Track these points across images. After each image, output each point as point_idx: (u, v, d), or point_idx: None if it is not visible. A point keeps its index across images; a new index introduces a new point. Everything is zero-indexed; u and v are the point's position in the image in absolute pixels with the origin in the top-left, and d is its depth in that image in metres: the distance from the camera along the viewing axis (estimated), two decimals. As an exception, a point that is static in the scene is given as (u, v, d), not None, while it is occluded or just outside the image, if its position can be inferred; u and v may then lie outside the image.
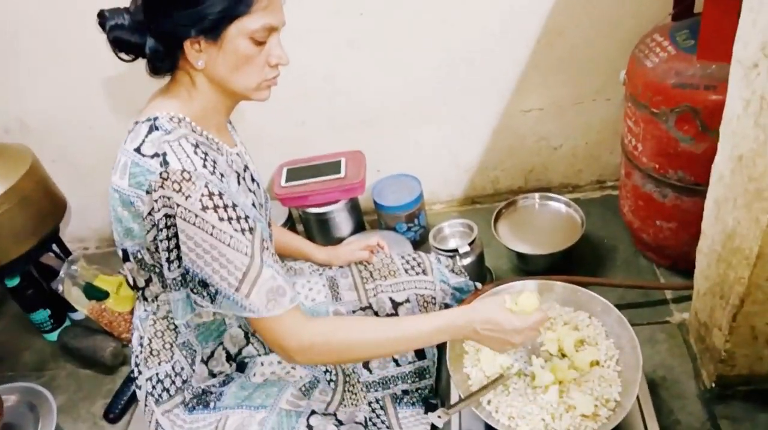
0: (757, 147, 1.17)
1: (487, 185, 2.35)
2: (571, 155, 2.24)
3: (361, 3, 1.91)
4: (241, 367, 1.36)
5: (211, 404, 1.25)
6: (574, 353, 1.35)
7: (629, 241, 2.06)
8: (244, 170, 1.25)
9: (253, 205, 1.21)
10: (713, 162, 1.38)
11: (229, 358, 1.34)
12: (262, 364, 1.35)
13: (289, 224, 2.21)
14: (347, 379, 1.46)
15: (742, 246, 1.30)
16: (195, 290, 1.10)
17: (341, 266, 1.58)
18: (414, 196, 2.12)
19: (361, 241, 1.61)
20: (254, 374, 1.35)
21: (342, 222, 2.13)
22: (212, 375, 1.31)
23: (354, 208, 2.15)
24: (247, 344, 1.33)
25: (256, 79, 1.12)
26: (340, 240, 2.10)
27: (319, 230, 2.16)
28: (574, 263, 1.98)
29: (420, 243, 2.19)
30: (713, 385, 1.54)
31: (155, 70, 1.12)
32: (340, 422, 1.32)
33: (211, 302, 1.09)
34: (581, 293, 1.44)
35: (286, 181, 2.10)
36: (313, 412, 1.28)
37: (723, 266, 1.41)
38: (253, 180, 1.28)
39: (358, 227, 2.20)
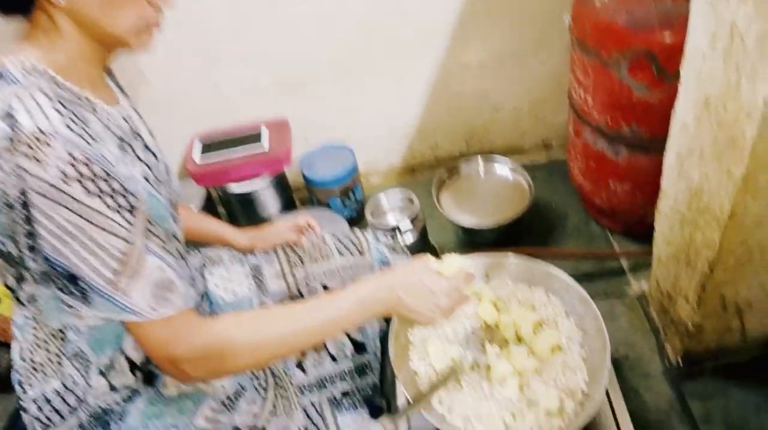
0: (727, 89, 1.01)
1: (427, 152, 2.17)
2: (514, 115, 2.09)
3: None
4: (150, 378, 1.13)
5: (113, 426, 1.04)
6: (533, 338, 1.18)
7: (580, 206, 1.93)
8: (134, 137, 1.02)
9: (146, 179, 0.98)
10: (673, 111, 1.23)
11: (134, 368, 1.10)
12: (175, 373, 1.12)
13: (208, 206, 1.96)
14: (278, 382, 1.25)
15: (711, 205, 1.16)
16: (62, 288, 0.87)
17: (266, 252, 1.37)
18: (347, 167, 1.91)
19: (288, 221, 1.40)
20: (165, 386, 1.12)
21: (268, 200, 1.90)
22: (113, 390, 1.08)
23: (281, 184, 1.92)
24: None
25: (133, 19, 0.89)
26: (268, 222, 1.87)
27: (242, 211, 1.92)
28: (523, 234, 1.83)
29: (357, 220, 1.99)
30: (679, 361, 1.42)
31: (4, 7, 0.86)
32: (269, 438, 1.12)
33: (84, 303, 0.86)
34: (537, 268, 1.27)
35: (201, 156, 1.84)
36: (236, 428, 1.07)
37: (688, 229, 1.27)
38: (147, 149, 1.04)
39: (287, 206, 1.98)
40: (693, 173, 1.21)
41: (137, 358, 1.09)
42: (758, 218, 1.12)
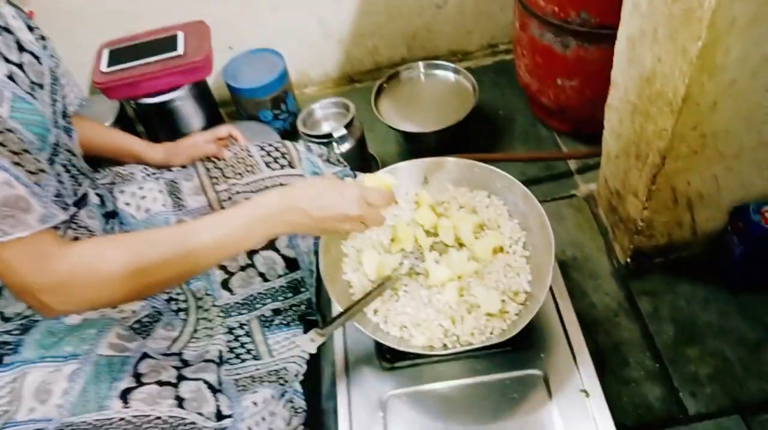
0: (684, -45, 0.90)
1: (366, 58, 2.01)
2: (458, 14, 1.94)
3: None
4: (48, 306, 1.00)
5: (6, 360, 0.92)
6: (474, 241, 1.10)
7: (527, 109, 1.84)
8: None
9: (12, 80, 0.82)
10: (625, -10, 1.12)
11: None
12: (78, 300, 0.99)
13: (123, 122, 1.77)
14: (200, 304, 1.14)
15: (664, 89, 1.07)
16: None
17: (184, 166, 1.23)
18: (276, 74, 1.74)
19: (207, 133, 1.25)
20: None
21: (189, 114, 1.73)
22: (6, 320, 0.96)
23: (203, 95, 1.74)
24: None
25: None
26: (188, 136, 1.71)
27: (162, 126, 1.75)
28: (468, 139, 1.73)
29: (291, 134, 1.84)
30: (628, 260, 1.37)
31: None
32: (186, 363, 1.01)
33: None
34: (477, 169, 1.17)
35: (109, 65, 1.64)
36: (144, 355, 0.96)
37: (639, 120, 1.18)
38: (22, 48, 0.88)
39: (213, 121, 1.81)
40: (645, 58, 1.11)
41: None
42: (713, 100, 1.03)
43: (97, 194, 1.09)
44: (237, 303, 1.19)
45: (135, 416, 0.86)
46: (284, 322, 1.25)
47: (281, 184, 1.20)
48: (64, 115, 0.97)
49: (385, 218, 0.95)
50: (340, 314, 0.99)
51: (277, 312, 1.23)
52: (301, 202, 0.88)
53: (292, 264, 1.22)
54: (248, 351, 1.18)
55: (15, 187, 0.74)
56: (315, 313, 1.29)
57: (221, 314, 1.15)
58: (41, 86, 0.90)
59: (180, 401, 0.89)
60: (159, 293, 1.08)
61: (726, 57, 0.96)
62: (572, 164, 1.66)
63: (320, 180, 0.95)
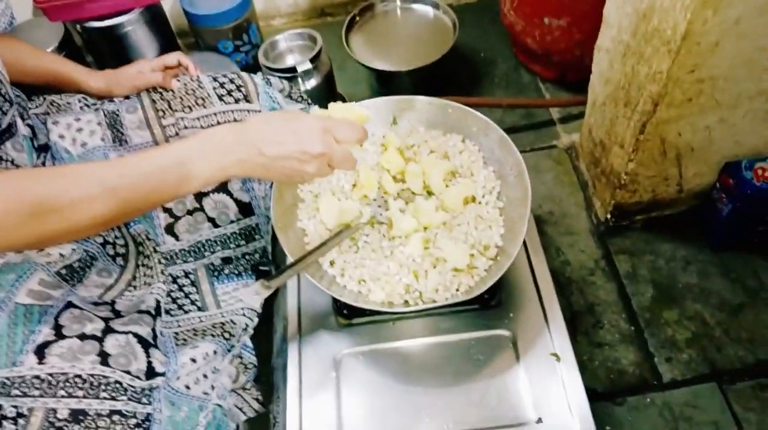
0: None
1: (339, -11, 1.84)
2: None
3: None
4: (-38, 248, 0.88)
5: None
6: (444, 190, 0.99)
7: (510, 52, 1.72)
8: None
9: None
10: None
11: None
12: (-4, 241, 0.87)
13: (68, 49, 1.60)
14: (140, 249, 1.03)
15: (662, 26, 0.96)
16: None
17: (127, 97, 1.11)
18: (238, 0, 1.57)
19: (154, 60, 1.11)
20: (-16, 257, 0.88)
21: (141, 41, 1.57)
22: None
23: (157, 21, 1.58)
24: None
25: None
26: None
27: (111, 55, 1.59)
28: (445, 81, 1.60)
29: (254, 69, 1.69)
30: (608, 216, 1.28)
31: None
32: (118, 314, 0.91)
33: None
34: (452, 110, 1.06)
35: (49, -18, 1.46)
36: (69, 305, 0.85)
37: (632, 62, 1.07)
38: None
39: (169, 50, 1.62)
40: (642, -9, 0.99)
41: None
42: (715, 40, 0.93)
43: (28, 125, 0.96)
44: (183, 250, 1.08)
45: (51, 374, 0.76)
46: (235, 271, 1.15)
47: (235, 120, 1.08)
48: None
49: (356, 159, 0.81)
50: (290, 265, 0.89)
51: (227, 261, 1.13)
52: (255, 138, 0.75)
53: (245, 209, 1.11)
54: (192, 302, 1.08)
55: None
56: (270, 263, 1.20)
57: (164, 261, 1.05)
58: None
59: (105, 357, 0.80)
60: (90, 237, 0.96)
61: (734, -11, 0.85)
62: (555, 113, 1.56)
63: (278, 113, 0.81)
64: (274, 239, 1.16)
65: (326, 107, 0.91)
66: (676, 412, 1.09)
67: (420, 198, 0.99)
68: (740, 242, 1.26)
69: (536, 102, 1.57)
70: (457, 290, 0.90)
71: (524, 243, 1.04)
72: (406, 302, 0.90)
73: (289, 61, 1.48)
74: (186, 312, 1.06)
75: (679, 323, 1.19)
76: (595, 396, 1.11)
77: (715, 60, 0.96)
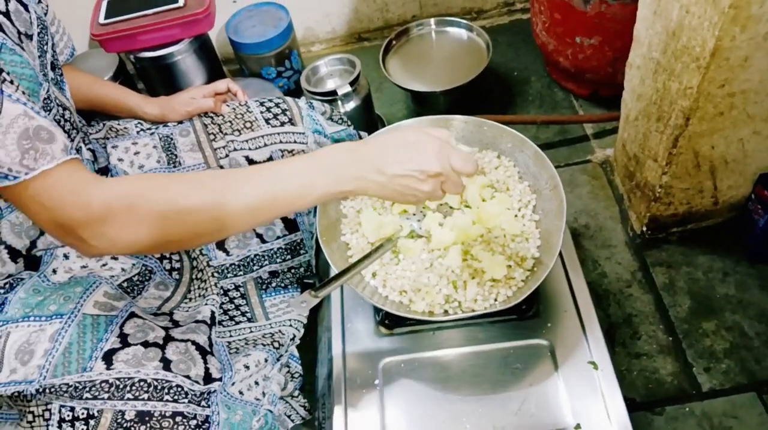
0: None
1: (375, 15, 1.92)
2: (473, -32, 1.82)
3: None
4: (34, 264, 0.96)
5: None
6: (481, 204, 1.03)
7: (543, 70, 1.75)
8: None
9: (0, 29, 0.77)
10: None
11: (15, 255, 0.93)
12: (66, 257, 0.95)
13: (122, 77, 1.71)
14: (194, 264, 1.10)
15: (691, 43, 0.98)
16: None
17: (180, 122, 1.17)
18: (281, 28, 1.66)
19: (205, 87, 1.19)
20: (54, 272, 0.96)
21: (190, 70, 1.66)
22: None
23: (204, 49, 1.67)
24: (43, 234, 0.93)
25: None
26: (187, 92, 1.64)
27: (162, 82, 1.68)
28: (481, 101, 1.65)
29: (296, 93, 1.77)
30: (644, 229, 1.30)
31: None
32: (176, 324, 0.97)
33: None
34: (488, 128, 1.11)
35: (107, 16, 1.57)
36: (132, 315, 0.92)
37: (662, 78, 1.10)
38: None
39: (215, 78, 1.71)
40: (672, 10, 1.03)
41: (18, 244, 0.92)
42: (744, 55, 0.95)
43: (89, 149, 1.04)
44: (233, 264, 1.15)
45: (118, 379, 0.82)
46: (282, 284, 1.21)
47: (281, 142, 1.14)
48: (54, 67, 0.91)
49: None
50: (336, 277, 0.93)
51: (274, 274, 1.19)
52: (375, 157, 0.76)
53: (291, 225, 1.17)
54: (243, 313, 1.15)
55: (34, 118, 0.70)
56: (314, 276, 1.25)
57: (216, 275, 1.11)
58: (30, 37, 0.84)
59: (167, 363, 0.85)
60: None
61: (762, 6, 0.87)
62: (588, 129, 1.58)
63: (397, 132, 0.81)
64: (318, 253, 1.22)
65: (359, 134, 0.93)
66: (715, 422, 1.09)
67: (457, 212, 1.04)
68: (778, 254, 1.26)
69: (570, 118, 1.60)
70: (495, 300, 0.93)
71: (561, 255, 1.07)
72: (446, 311, 0.94)
73: (330, 85, 1.55)
74: (237, 323, 1.13)
75: (717, 334, 1.19)
76: (633, 406, 1.12)
77: (746, 74, 0.98)
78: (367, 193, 0.79)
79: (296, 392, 1.13)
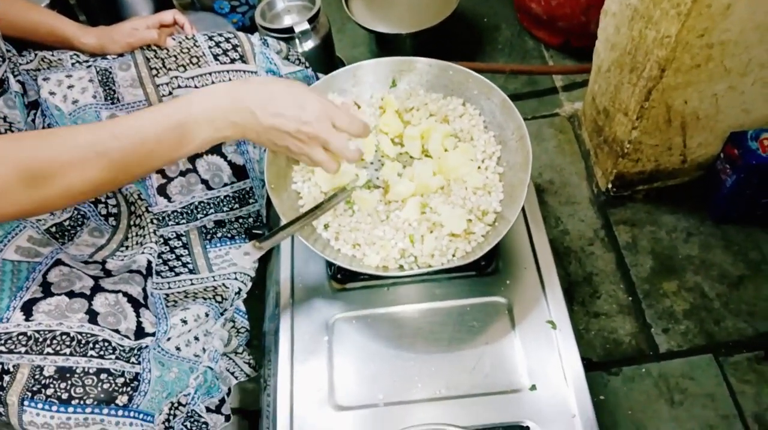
0: None
1: (340, -50, 1.78)
2: None
3: None
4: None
5: None
6: (443, 154, 0.97)
7: (513, 17, 1.68)
8: None
9: None
10: None
11: None
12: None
13: (61, 6, 1.56)
14: (132, 209, 1.01)
15: (673, -12, 0.92)
16: None
17: (120, 54, 1.07)
18: (235, -42, 1.53)
19: (148, 18, 1.08)
20: (-27, 215, 0.86)
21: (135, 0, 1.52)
22: None
23: (151, -22, 1.53)
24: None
25: None
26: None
27: (105, 13, 1.56)
28: (447, 46, 1.57)
29: (251, 30, 1.65)
30: (609, 186, 1.26)
31: None
32: (108, 273, 0.89)
33: None
34: (453, 72, 1.04)
35: (40, -64, 1.41)
36: (58, 262, 0.84)
37: (639, 26, 1.04)
38: None
39: (164, 9, 1.59)
40: (653, -49, 0.96)
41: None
42: (727, 2, 0.90)
43: (19, 81, 0.93)
44: (175, 211, 1.06)
45: (38, 331, 0.74)
46: (228, 235, 1.13)
47: (230, 80, 1.05)
48: None
49: (362, 150, 0.80)
50: (284, 226, 0.87)
51: (220, 224, 1.11)
52: (252, 103, 0.74)
53: (240, 172, 1.09)
54: (184, 264, 1.07)
55: None
56: (263, 227, 1.18)
57: (155, 222, 1.03)
58: None
59: (93, 316, 0.78)
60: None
61: (750, -52, 0.81)
62: (558, 81, 1.53)
63: (279, 80, 0.79)
64: (269, 203, 1.15)
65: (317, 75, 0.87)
66: (671, 383, 1.08)
67: (418, 162, 0.97)
68: (743, 215, 1.24)
69: (540, 69, 1.54)
70: (453, 255, 0.88)
71: (523, 211, 1.02)
72: (401, 266, 0.88)
73: (287, 21, 1.44)
74: (177, 274, 1.05)
75: (678, 295, 1.17)
76: (590, 366, 1.10)
77: (726, 24, 0.93)
78: (246, 139, 0.79)
79: (241, 349, 1.07)
